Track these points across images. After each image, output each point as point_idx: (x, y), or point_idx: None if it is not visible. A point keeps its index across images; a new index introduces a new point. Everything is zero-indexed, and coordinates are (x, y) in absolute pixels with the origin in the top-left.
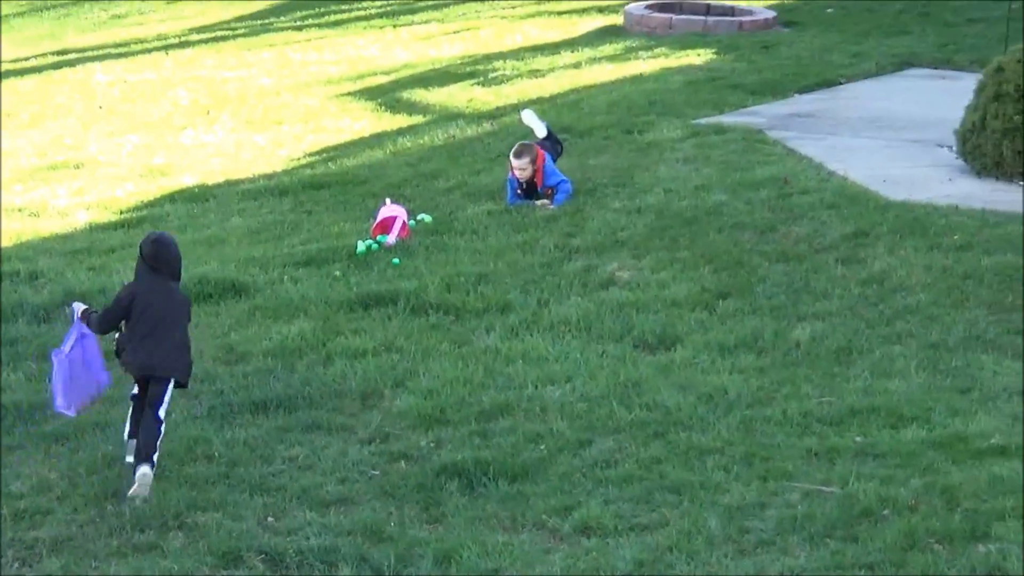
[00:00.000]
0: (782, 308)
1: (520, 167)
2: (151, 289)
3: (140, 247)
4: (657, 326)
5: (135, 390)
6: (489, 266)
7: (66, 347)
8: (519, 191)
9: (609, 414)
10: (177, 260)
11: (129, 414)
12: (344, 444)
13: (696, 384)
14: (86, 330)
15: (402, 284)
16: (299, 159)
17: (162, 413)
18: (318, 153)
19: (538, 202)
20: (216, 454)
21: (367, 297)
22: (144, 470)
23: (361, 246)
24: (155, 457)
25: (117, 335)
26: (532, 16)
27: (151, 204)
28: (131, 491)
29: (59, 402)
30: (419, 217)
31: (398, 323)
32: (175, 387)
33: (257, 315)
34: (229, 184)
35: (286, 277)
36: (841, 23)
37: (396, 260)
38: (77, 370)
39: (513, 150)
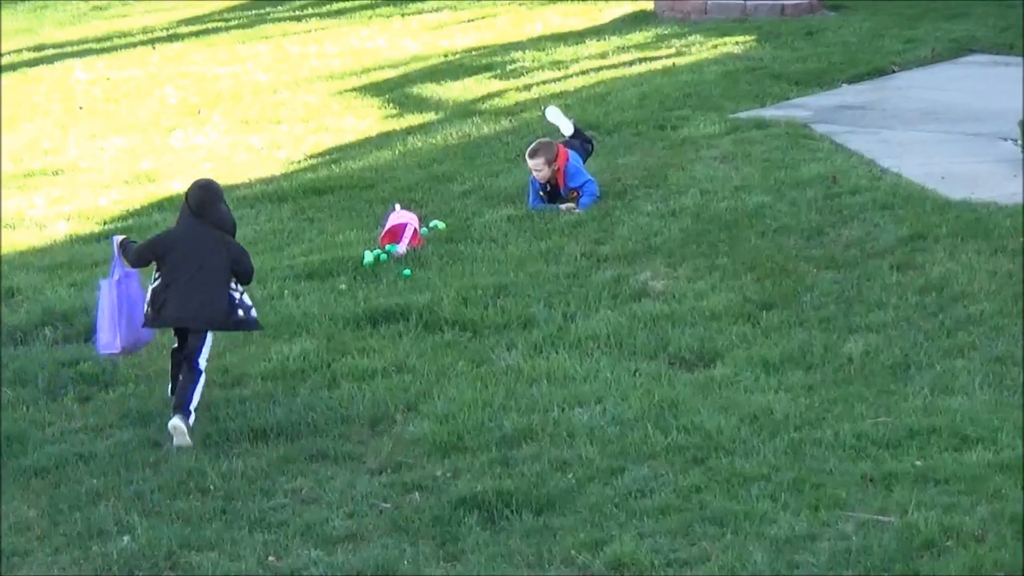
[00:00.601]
0: (832, 320)
1: (535, 167)
2: (190, 235)
3: (186, 193)
4: (695, 341)
5: (175, 344)
6: (509, 277)
7: (115, 275)
8: (541, 194)
9: (643, 438)
10: (226, 211)
11: (170, 370)
12: (352, 475)
13: (738, 404)
14: (129, 269)
15: (414, 298)
16: (299, 162)
17: (202, 363)
18: (320, 155)
19: (562, 206)
20: (211, 487)
21: (376, 313)
22: (175, 422)
23: (369, 257)
24: (192, 407)
25: (152, 287)
26: (554, 2)
27: (137, 213)
28: (168, 445)
29: (103, 339)
30: (432, 224)
31: (410, 341)
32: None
33: (255, 334)
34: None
35: (287, 292)
36: (893, 6)
37: (407, 272)
38: (125, 304)
39: (528, 148)
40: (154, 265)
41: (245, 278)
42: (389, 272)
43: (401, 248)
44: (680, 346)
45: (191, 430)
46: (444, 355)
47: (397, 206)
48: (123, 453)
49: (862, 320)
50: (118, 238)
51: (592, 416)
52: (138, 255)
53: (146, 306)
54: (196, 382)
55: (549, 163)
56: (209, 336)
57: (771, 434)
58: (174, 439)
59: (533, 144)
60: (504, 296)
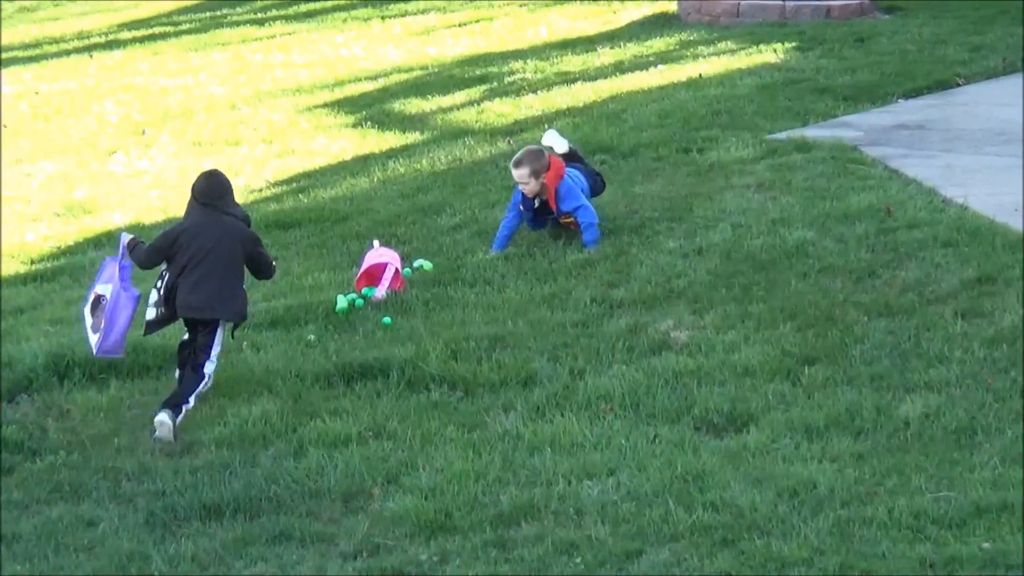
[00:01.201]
0: (885, 376)
1: (520, 179)
2: (200, 224)
3: (192, 186)
4: (724, 401)
5: (184, 336)
6: (507, 326)
7: (130, 287)
8: (523, 209)
9: (663, 516)
10: (230, 191)
11: (177, 363)
12: (322, 559)
13: (775, 476)
14: (127, 279)
15: (395, 351)
16: (261, 190)
17: (208, 367)
18: (286, 182)
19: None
20: (156, 573)
21: (350, 368)
22: (162, 416)
23: (342, 302)
24: (186, 407)
25: (163, 279)
26: (560, 2)
27: (71, 251)
28: (153, 436)
29: (114, 341)
30: (416, 264)
31: (390, 401)
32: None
33: (209, 393)
34: (170, 223)
35: (246, 343)
36: (957, 6)
37: (387, 319)
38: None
39: (514, 157)
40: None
41: (267, 271)
42: (366, 320)
43: (380, 292)
44: (707, 407)
45: (177, 430)
46: (430, 418)
47: (376, 243)
48: (52, 534)
49: (920, 377)
50: (126, 237)
51: (604, 490)
52: (148, 255)
53: (155, 307)
54: (198, 383)
55: (536, 175)
56: (220, 333)
57: (813, 511)
58: (156, 432)
59: (519, 152)
60: (501, 349)
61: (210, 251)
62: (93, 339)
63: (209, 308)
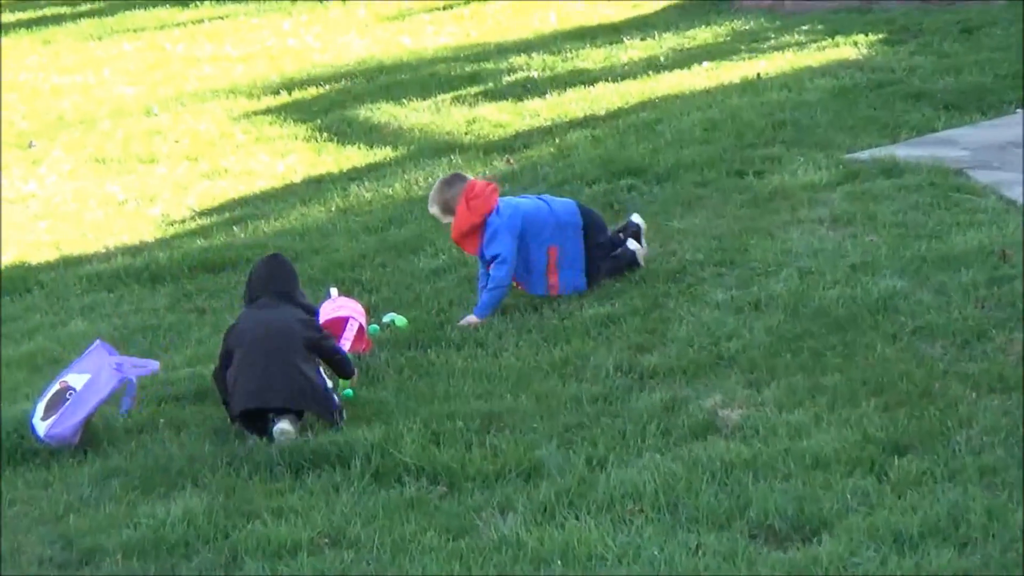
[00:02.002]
0: (999, 470)
1: (435, 216)
2: (248, 321)
3: (248, 276)
4: (788, 502)
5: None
6: (505, 402)
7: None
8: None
9: None
10: (287, 274)
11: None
12: None
13: None
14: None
15: (358, 433)
16: (184, 222)
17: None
18: (216, 211)
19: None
20: None
21: (300, 455)
22: (282, 426)
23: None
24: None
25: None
26: None
27: None
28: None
29: (66, 425)
30: (387, 319)
31: (351, 498)
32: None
33: (114, 485)
34: (66, 264)
35: (162, 420)
36: None
37: (348, 391)
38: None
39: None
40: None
41: (344, 366)
42: None
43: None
44: (766, 510)
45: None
46: (404, 520)
47: (333, 291)
48: None
49: None
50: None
51: None
52: (220, 385)
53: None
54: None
55: (445, 211)
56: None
57: None
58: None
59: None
60: (497, 431)
61: (265, 344)
62: (42, 426)
63: (272, 395)
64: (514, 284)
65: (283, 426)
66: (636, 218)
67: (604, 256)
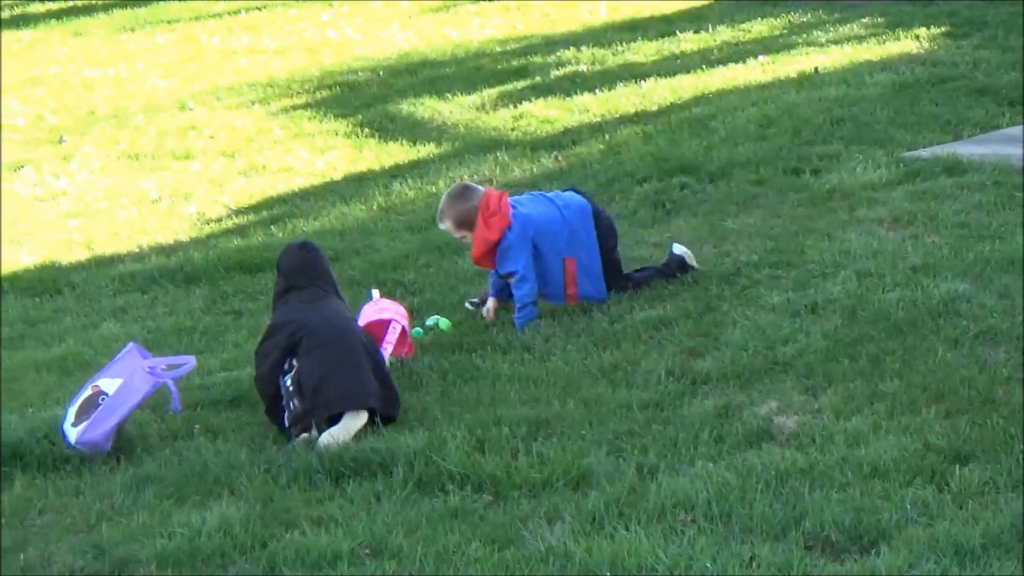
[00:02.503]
0: None
1: (448, 230)
2: (312, 315)
3: (278, 262)
4: (846, 512)
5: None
6: (552, 408)
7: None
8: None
9: None
10: (327, 265)
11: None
12: None
13: None
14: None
15: (401, 439)
16: (219, 220)
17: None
18: (252, 210)
19: (485, 307)
20: None
21: (340, 462)
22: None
23: None
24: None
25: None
26: None
27: None
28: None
29: (103, 433)
30: (430, 322)
31: (393, 507)
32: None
33: (148, 493)
34: (97, 264)
35: (197, 426)
36: None
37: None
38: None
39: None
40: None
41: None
42: None
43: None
44: (822, 520)
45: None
46: (448, 530)
47: (375, 293)
48: None
49: None
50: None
51: None
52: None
53: (292, 402)
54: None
55: (460, 226)
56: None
57: None
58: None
59: (444, 196)
60: (544, 438)
61: (338, 341)
62: (73, 432)
63: (361, 397)
64: None
65: (335, 435)
66: (678, 248)
67: (615, 264)
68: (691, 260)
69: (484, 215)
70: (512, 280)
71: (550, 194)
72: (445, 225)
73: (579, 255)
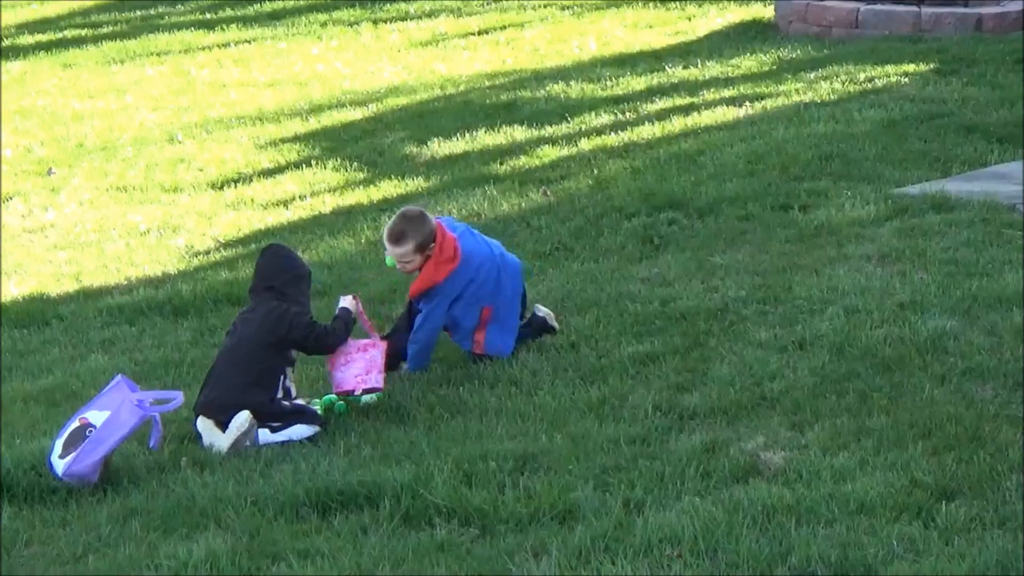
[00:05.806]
0: None
1: (401, 259)
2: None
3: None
4: (833, 548)
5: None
6: (539, 442)
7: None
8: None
9: None
10: (277, 268)
11: None
12: None
13: None
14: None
15: (387, 473)
16: (208, 253)
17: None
18: (241, 242)
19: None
20: None
21: (326, 495)
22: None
23: (316, 406)
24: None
25: None
26: (615, 5)
27: None
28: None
29: (90, 464)
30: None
31: (380, 540)
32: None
33: (135, 525)
34: (86, 296)
35: (184, 459)
36: None
37: (341, 405)
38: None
39: (389, 226)
40: None
41: (310, 344)
42: (348, 430)
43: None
44: (808, 556)
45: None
46: (434, 564)
47: (347, 300)
48: None
49: None
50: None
51: None
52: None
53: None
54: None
55: (421, 248)
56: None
57: None
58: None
59: (396, 218)
60: (531, 472)
61: (226, 346)
62: (60, 464)
63: (211, 406)
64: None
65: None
66: (541, 310)
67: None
68: (552, 321)
69: (438, 258)
70: (423, 316)
71: (490, 240)
72: (405, 248)
73: (498, 306)
